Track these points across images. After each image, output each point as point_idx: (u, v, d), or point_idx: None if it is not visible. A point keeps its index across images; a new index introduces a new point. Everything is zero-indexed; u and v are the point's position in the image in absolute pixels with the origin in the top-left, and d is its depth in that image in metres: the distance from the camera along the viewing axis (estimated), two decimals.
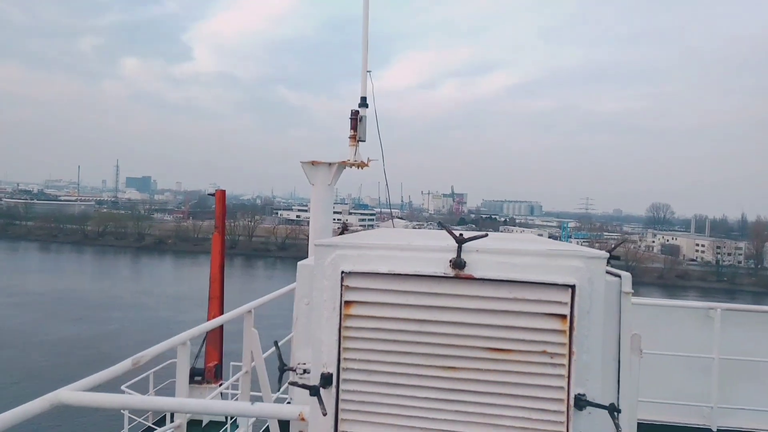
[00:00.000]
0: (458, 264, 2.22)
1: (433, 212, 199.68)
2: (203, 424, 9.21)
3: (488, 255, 2.24)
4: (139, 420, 7.18)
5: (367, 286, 2.28)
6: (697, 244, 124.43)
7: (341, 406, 2.28)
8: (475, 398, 2.22)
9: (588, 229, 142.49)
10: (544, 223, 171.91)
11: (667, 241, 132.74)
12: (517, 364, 2.19)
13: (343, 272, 2.28)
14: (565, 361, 2.15)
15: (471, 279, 2.21)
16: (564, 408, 2.15)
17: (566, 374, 2.15)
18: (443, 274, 2.22)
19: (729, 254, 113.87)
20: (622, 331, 2.39)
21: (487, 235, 2.36)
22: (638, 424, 5.68)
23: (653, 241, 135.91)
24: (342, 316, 2.27)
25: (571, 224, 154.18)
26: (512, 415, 2.20)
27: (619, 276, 2.43)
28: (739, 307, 5.90)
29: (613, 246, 2.84)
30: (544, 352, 2.17)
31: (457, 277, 2.22)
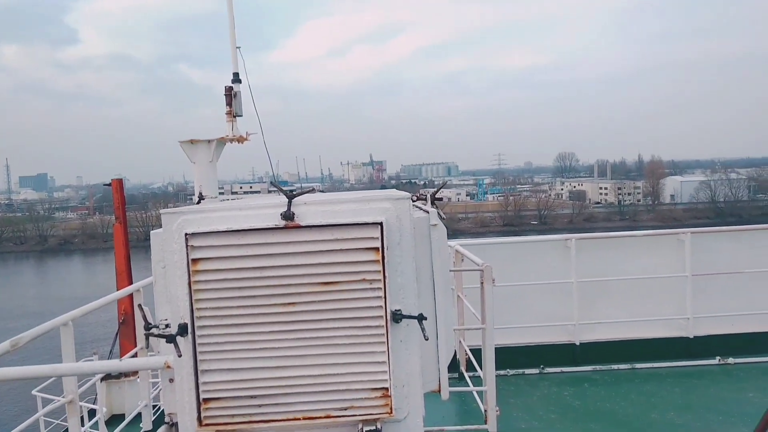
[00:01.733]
0: (287, 216, 2.59)
1: (354, 182, 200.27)
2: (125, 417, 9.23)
3: (314, 206, 2.64)
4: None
5: (210, 244, 2.61)
6: (601, 188, 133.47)
7: (199, 349, 2.63)
8: (312, 326, 2.64)
9: (502, 183, 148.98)
10: (462, 183, 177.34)
11: (574, 187, 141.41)
12: (343, 292, 2.62)
13: (187, 234, 2.59)
14: (381, 285, 2.60)
15: (299, 227, 2.60)
16: (383, 323, 2.62)
17: (383, 295, 2.61)
18: (275, 226, 2.59)
19: (629, 194, 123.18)
20: (433, 256, 2.88)
21: (314, 190, 2.76)
22: (513, 347, 6.47)
23: (562, 189, 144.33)
24: (191, 272, 2.59)
25: (487, 181, 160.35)
26: (343, 334, 2.64)
27: (428, 212, 2.92)
28: (589, 236, 6.77)
29: (435, 191, 3.33)
30: (363, 280, 2.61)
31: (287, 227, 2.60)
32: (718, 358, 6.21)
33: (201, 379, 2.63)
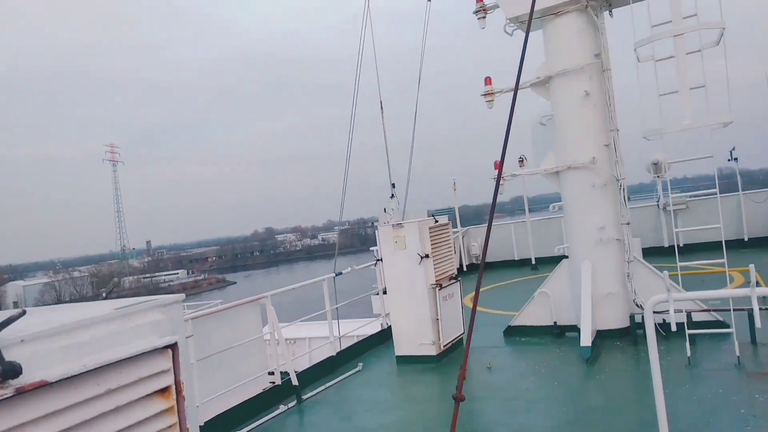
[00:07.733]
0: (10, 370, 1.34)
1: None
2: None
3: (49, 340, 1.47)
4: None
5: None
6: None
7: None
8: None
9: None
10: None
11: None
12: None
13: None
14: None
15: (44, 385, 1.38)
16: None
17: None
18: None
19: None
20: None
21: (25, 312, 1.52)
22: None
23: None
24: None
25: None
26: None
27: None
28: None
29: None
30: None
31: (18, 394, 1.33)
32: None
33: None
